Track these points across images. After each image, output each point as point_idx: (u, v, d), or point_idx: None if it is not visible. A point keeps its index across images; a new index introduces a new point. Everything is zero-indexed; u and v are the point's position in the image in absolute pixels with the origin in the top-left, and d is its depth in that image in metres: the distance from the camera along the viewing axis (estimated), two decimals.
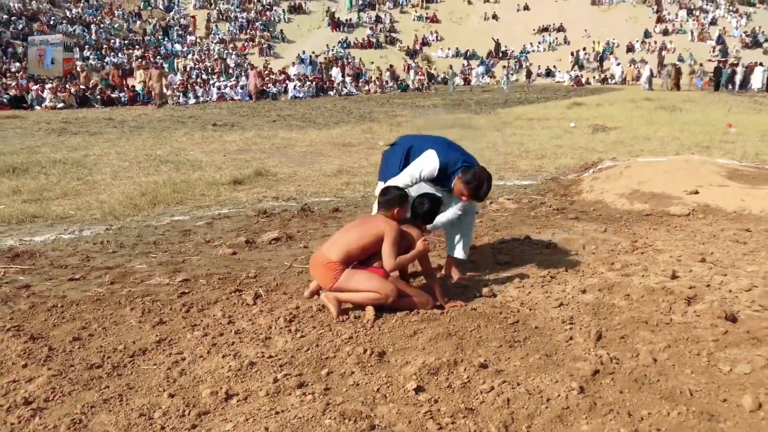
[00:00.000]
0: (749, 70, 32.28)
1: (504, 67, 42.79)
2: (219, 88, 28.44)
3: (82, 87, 24.77)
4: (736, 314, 3.75)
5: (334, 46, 45.07)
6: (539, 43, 50.09)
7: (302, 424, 2.66)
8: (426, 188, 4.47)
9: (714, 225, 6.14)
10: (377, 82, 35.49)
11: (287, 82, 31.48)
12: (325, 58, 41.27)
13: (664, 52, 42.47)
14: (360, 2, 53.36)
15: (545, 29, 51.36)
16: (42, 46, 27.26)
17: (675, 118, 17.10)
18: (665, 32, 47.79)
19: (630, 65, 40.87)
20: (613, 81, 40.39)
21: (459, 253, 4.67)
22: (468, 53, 48.18)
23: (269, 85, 30.30)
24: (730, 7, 49.90)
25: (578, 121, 16.61)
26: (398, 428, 2.64)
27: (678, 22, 49.14)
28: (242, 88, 28.75)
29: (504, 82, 35.22)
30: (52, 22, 35.87)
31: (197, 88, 27.76)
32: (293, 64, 37.10)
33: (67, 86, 24.29)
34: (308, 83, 31.74)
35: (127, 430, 2.65)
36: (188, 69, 34.73)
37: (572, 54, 45.05)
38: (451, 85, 38.21)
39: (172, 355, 3.36)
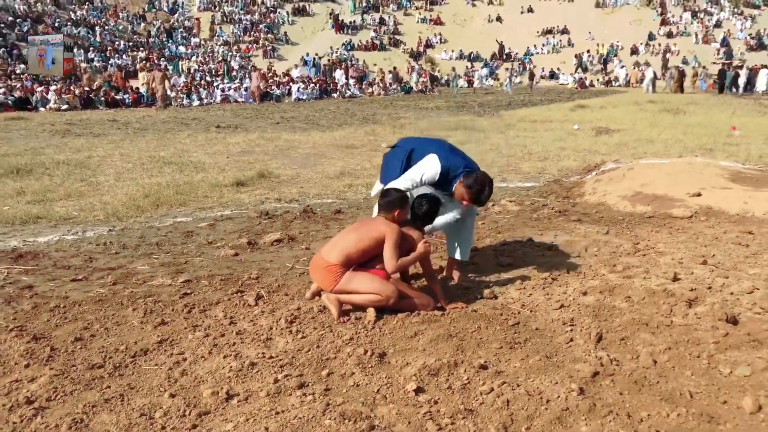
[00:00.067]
0: (754, 72, 32.20)
1: (507, 69, 42.81)
2: (223, 90, 28.51)
3: (86, 89, 24.85)
4: (737, 316, 3.75)
5: (337, 48, 45.15)
6: (543, 45, 50.10)
7: (302, 424, 2.67)
8: (426, 192, 4.49)
9: (716, 227, 6.13)
10: (380, 84, 35.52)
11: (291, 84, 31.54)
12: (329, 60, 41.33)
13: (668, 55, 42.44)
14: (364, 4, 53.43)
15: (549, 31, 51.36)
16: (42, 46, 27.36)
17: (679, 121, 17.07)
18: (669, 35, 47.74)
19: (634, 68, 40.82)
20: (617, 83, 40.36)
21: (460, 255, 4.68)
22: (472, 55, 48.20)
23: (273, 88, 30.36)
24: (735, 10, 49.80)
25: (581, 123, 16.61)
26: (398, 429, 2.64)
27: (682, 25, 49.08)
28: (246, 90, 28.82)
29: (507, 84, 35.16)
30: (56, 24, 36.02)
31: (201, 90, 27.83)
32: (296, 66, 37.15)
33: (71, 88, 24.38)
34: (312, 85, 31.79)
35: (127, 429, 2.66)
36: (192, 71, 34.83)
37: (576, 56, 45.02)
38: (454, 87, 38.26)
39: (173, 355, 3.37)
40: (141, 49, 38.95)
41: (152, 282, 4.64)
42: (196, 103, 26.22)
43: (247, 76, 32.78)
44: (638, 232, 6.04)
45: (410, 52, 47.68)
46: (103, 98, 24.19)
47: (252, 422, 2.69)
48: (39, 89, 23.28)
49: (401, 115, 20.29)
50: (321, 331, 3.67)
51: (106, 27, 40.51)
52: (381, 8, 54.00)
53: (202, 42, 44.02)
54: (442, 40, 50.63)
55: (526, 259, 5.21)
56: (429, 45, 49.87)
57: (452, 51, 48.70)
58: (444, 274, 4.80)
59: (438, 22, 53.08)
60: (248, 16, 48.45)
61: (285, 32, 47.78)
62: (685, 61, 41.32)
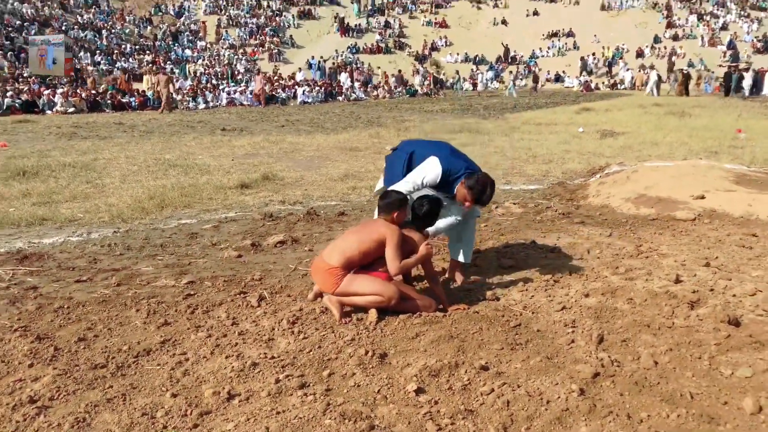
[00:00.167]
0: (761, 75, 32.07)
1: (510, 73, 42.77)
2: (228, 93, 28.60)
3: (93, 92, 24.97)
4: (740, 318, 3.75)
5: (343, 52, 45.21)
6: (548, 48, 50.04)
7: (303, 424, 2.68)
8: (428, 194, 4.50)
9: (720, 230, 6.13)
10: (385, 87, 35.57)
11: (296, 87, 31.61)
12: (334, 63, 41.40)
13: (674, 58, 42.33)
14: (369, 8, 53.52)
15: (554, 34, 51.30)
16: (43, 45, 27.38)
17: (684, 124, 17.04)
18: (675, 37, 47.62)
19: (639, 71, 40.75)
20: (623, 86, 40.29)
21: (462, 257, 4.69)
22: (477, 58, 48.19)
23: (278, 91, 30.44)
24: (741, 12, 49.67)
25: (587, 126, 16.60)
26: (398, 429, 2.66)
27: (688, 27, 48.97)
28: (252, 93, 28.90)
29: (511, 87, 35.07)
30: (63, 28, 36.18)
31: (207, 93, 27.93)
32: (299, 69, 37.23)
33: (77, 91, 24.50)
34: (317, 88, 31.86)
35: (129, 428, 2.68)
36: (198, 74, 34.96)
37: (581, 59, 44.97)
38: (458, 90, 38.25)
39: (175, 355, 3.39)
40: (147, 52, 39.12)
41: (156, 283, 4.66)
42: (201, 106, 26.33)
43: (253, 79, 32.87)
44: (641, 234, 6.04)
45: (415, 55, 47.70)
46: (109, 101, 24.31)
47: (253, 422, 2.71)
48: (46, 92, 23.43)
49: (406, 118, 20.31)
50: (323, 331, 3.69)
51: (113, 30, 40.71)
52: (386, 11, 54.07)
53: (208, 45, 44.16)
54: (448, 43, 50.65)
55: (528, 261, 5.21)
56: (434, 48, 49.89)
57: (457, 54, 48.68)
58: (446, 276, 4.81)
59: (443, 25, 53.10)
60: (254, 20, 48.58)
61: (290, 35, 47.88)
62: (691, 64, 41.22)
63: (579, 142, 13.59)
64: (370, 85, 36.58)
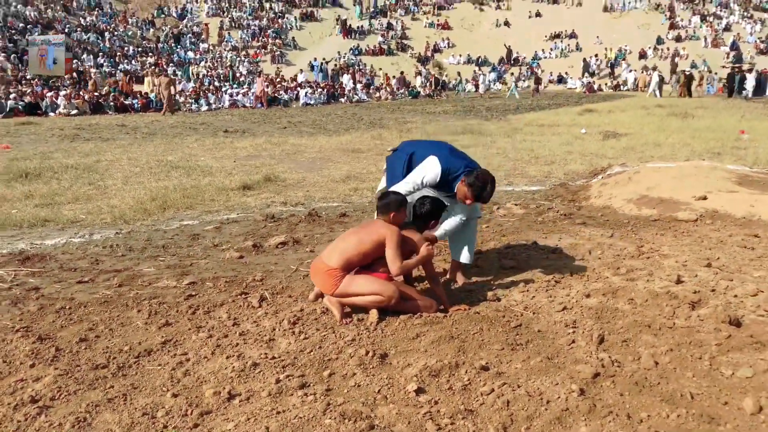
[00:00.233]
0: (765, 76, 32.00)
1: (512, 74, 42.73)
2: (231, 95, 28.63)
3: (96, 94, 25.02)
4: (741, 319, 3.74)
5: (345, 53, 45.23)
6: (551, 49, 50.00)
7: (303, 423, 2.69)
8: (428, 194, 4.51)
9: (722, 230, 6.12)
10: (388, 89, 35.58)
11: (298, 89, 31.64)
12: (336, 65, 41.41)
13: (677, 59, 42.28)
14: (371, 9, 53.55)
15: (557, 36, 51.26)
16: (44, 45, 27.28)
17: (687, 125, 17.02)
18: (678, 39, 47.54)
19: (642, 72, 40.70)
20: (626, 88, 40.26)
21: (463, 257, 4.69)
22: (480, 60, 48.18)
23: (281, 92, 30.46)
24: (745, 13, 49.59)
25: (589, 127, 16.59)
26: (397, 428, 2.66)
27: (691, 29, 48.89)
28: (254, 95, 28.94)
29: (513, 89, 34.98)
30: (66, 30, 36.25)
31: (209, 95, 27.96)
32: (301, 71, 37.24)
33: (80, 93, 24.55)
34: (319, 90, 31.88)
35: (130, 428, 2.69)
36: (201, 76, 35.01)
37: (584, 60, 44.93)
38: (460, 92, 38.24)
39: (176, 356, 3.40)
40: (150, 54, 39.19)
41: (157, 284, 4.68)
42: (204, 108, 26.36)
43: (254, 81, 32.91)
44: (643, 235, 6.04)
45: (418, 57, 47.71)
46: (112, 103, 24.35)
47: (253, 421, 2.71)
48: (49, 94, 23.47)
49: (408, 120, 20.32)
50: (323, 332, 3.70)
51: (116, 33, 40.77)
52: (389, 13, 54.09)
53: (211, 47, 44.21)
54: (450, 45, 50.63)
55: (529, 261, 5.21)
56: (437, 49, 49.87)
57: (460, 55, 48.68)
58: (447, 276, 4.81)
59: (446, 26, 53.10)
60: (256, 22, 48.61)
61: (293, 37, 47.91)
62: (694, 65, 41.17)
63: (581, 144, 13.58)
64: (372, 87, 36.58)
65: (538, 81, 38.90)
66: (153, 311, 4.06)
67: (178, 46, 42.58)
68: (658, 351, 3.35)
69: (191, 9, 49.71)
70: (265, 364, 3.27)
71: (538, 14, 54.17)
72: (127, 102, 25.04)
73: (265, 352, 3.42)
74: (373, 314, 3.85)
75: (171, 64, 37.39)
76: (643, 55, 45.79)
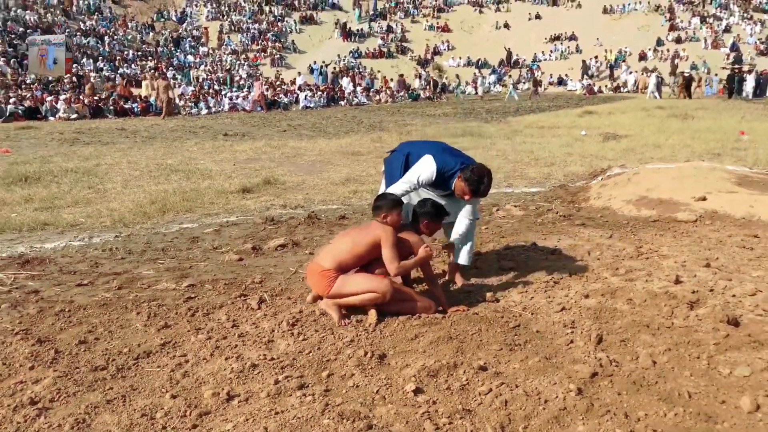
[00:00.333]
0: (765, 77, 32.00)
1: (509, 77, 42.74)
2: (231, 99, 28.66)
3: (95, 98, 25.05)
4: (739, 318, 3.75)
5: (345, 56, 45.29)
6: (551, 51, 50.03)
7: (301, 424, 2.69)
8: (426, 194, 4.52)
9: (721, 231, 6.12)
10: (387, 92, 35.61)
11: (298, 92, 31.67)
12: (336, 68, 41.46)
13: (676, 60, 42.31)
14: (371, 12, 53.61)
15: (557, 38, 51.29)
16: (44, 45, 27.21)
17: (687, 126, 17.03)
18: (678, 40, 47.54)
19: (642, 73, 40.73)
20: (626, 89, 40.28)
21: (462, 259, 4.69)
22: (480, 62, 48.24)
23: (280, 96, 30.49)
24: (744, 15, 49.60)
25: (589, 129, 16.60)
26: (396, 428, 2.67)
27: (691, 30, 48.89)
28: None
29: (511, 91, 34.94)
30: (66, 34, 36.31)
31: (209, 98, 27.99)
32: (299, 74, 37.28)
33: (80, 97, 24.59)
34: (319, 93, 31.91)
35: (129, 429, 2.70)
36: (200, 80, 35.06)
37: (583, 62, 44.96)
38: (460, 94, 38.26)
39: (175, 357, 3.41)
40: (150, 58, 39.25)
41: (157, 286, 4.68)
42: (204, 111, 26.39)
43: (253, 85, 32.96)
44: (642, 235, 6.04)
45: (418, 60, 47.76)
46: (112, 107, 24.38)
47: (251, 422, 2.72)
48: (49, 99, 23.51)
49: (408, 122, 20.34)
50: (322, 333, 3.70)
51: (115, 37, 40.85)
52: (388, 16, 54.15)
53: (210, 51, 44.29)
54: (450, 47, 50.68)
55: (528, 263, 5.22)
56: (437, 52, 49.93)
57: (460, 58, 48.73)
58: (446, 278, 4.82)
59: (445, 29, 53.15)
60: (256, 25, 48.69)
61: (292, 41, 47.97)
62: (694, 66, 41.17)
63: (581, 145, 13.59)
64: (372, 90, 36.62)
65: (536, 83, 38.93)
66: (152, 313, 4.07)
67: (178, 50, 42.67)
68: (657, 350, 3.36)
69: (191, 13, 49.81)
70: (263, 365, 3.28)
71: (537, 16, 54.20)
72: (126, 106, 25.07)
73: (264, 353, 3.43)
74: (372, 315, 3.86)
75: (171, 68, 37.45)
76: (643, 57, 45.82)
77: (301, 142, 14.93)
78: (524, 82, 42.75)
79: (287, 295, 4.43)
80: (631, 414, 2.74)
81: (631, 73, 42.23)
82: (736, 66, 36.54)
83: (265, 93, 28.73)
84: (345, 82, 36.65)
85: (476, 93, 40.63)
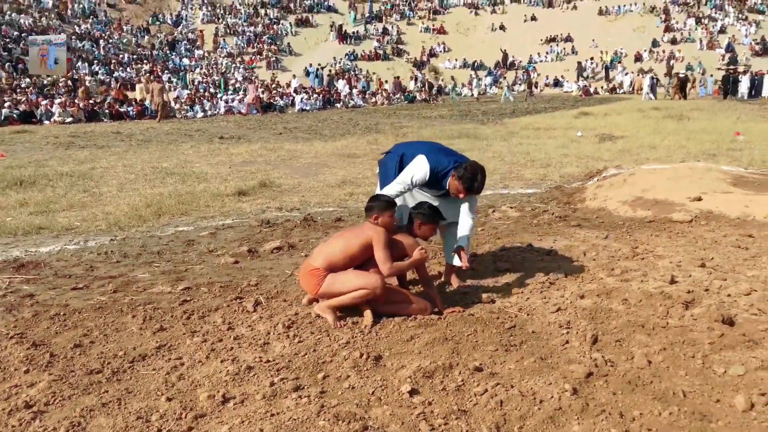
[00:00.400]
0: (760, 78, 32.09)
1: (504, 78, 42.83)
2: (226, 102, 28.65)
3: (90, 101, 25.02)
4: (734, 317, 3.76)
5: (341, 59, 45.33)
6: (547, 53, 50.17)
7: (296, 425, 2.69)
8: (421, 196, 4.52)
9: (716, 231, 6.14)
10: (384, 94, 35.65)
11: (294, 95, 31.67)
12: (331, 71, 41.49)
13: (672, 61, 42.43)
14: (367, 15, 53.67)
15: (553, 39, 51.43)
16: (45, 45, 27.03)
17: (682, 127, 17.07)
18: (673, 41, 47.73)
19: (638, 75, 40.84)
20: (622, 91, 40.39)
21: (458, 261, 4.68)
22: (475, 64, 48.32)
23: (276, 98, 30.48)
24: (740, 15, 49.77)
25: (585, 130, 16.63)
26: (391, 429, 2.66)
27: (686, 31, 49.07)
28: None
29: (506, 93, 34.95)
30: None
31: (204, 101, 27.97)
32: (294, 77, 37.30)
33: (75, 101, 24.56)
34: (315, 96, 31.92)
35: None
36: (196, 83, 35.05)
37: (578, 64, 45.07)
38: (455, 96, 38.32)
39: (171, 360, 3.40)
40: (145, 61, 39.23)
41: (152, 289, 4.67)
42: (199, 114, 26.37)
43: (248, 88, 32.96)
44: (638, 236, 6.05)
45: (413, 62, 47.82)
46: (107, 111, 24.36)
47: (247, 424, 2.72)
48: (44, 102, 23.49)
49: (404, 125, 20.36)
50: (318, 335, 3.70)
51: (110, 40, 40.83)
52: (384, 18, 54.23)
53: (206, 54, 44.29)
54: (446, 49, 50.80)
55: (524, 264, 5.22)
56: (433, 54, 50.03)
57: (456, 60, 48.85)
58: (442, 279, 4.82)
59: (441, 31, 53.27)
60: (251, 28, 48.74)
61: (288, 43, 48.03)
62: (689, 67, 41.31)
63: (577, 147, 13.62)
64: (368, 92, 36.65)
65: (530, 85, 39.01)
66: (148, 316, 4.06)
67: (173, 53, 42.66)
68: (652, 350, 3.37)
69: (186, 16, 49.83)
70: (259, 367, 3.28)
71: (533, 18, 54.37)
72: (122, 109, 25.04)
73: (260, 355, 3.42)
74: (368, 317, 3.85)
75: (166, 71, 37.43)
76: (638, 58, 45.97)
77: (296, 144, 14.93)
78: (520, 84, 42.83)
79: (283, 298, 4.43)
80: (626, 413, 2.74)
81: (626, 74, 42.37)
82: (731, 67, 36.66)
83: (261, 96, 28.70)
84: (341, 85, 36.67)
85: (472, 95, 40.71)
